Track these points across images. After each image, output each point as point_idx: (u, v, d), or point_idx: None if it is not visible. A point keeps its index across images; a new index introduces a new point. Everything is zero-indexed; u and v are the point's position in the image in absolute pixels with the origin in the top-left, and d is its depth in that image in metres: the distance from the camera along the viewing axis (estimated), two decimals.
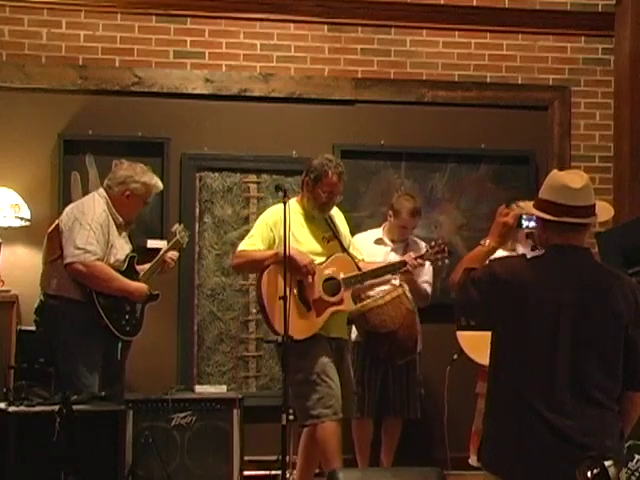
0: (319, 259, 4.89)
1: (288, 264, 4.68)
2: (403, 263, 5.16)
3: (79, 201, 5.21)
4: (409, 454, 5.70)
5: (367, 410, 5.61)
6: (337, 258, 4.95)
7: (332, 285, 4.90)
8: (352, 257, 5.05)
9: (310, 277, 4.82)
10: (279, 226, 4.80)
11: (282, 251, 4.66)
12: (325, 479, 4.57)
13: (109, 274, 4.91)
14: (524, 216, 3.40)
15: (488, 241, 3.36)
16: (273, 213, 4.98)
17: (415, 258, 5.18)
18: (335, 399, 4.79)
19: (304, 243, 4.88)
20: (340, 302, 4.90)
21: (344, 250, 5.00)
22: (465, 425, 5.55)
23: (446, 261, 5.34)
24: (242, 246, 5.00)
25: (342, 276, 4.92)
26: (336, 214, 5.12)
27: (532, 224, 3.43)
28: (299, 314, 4.81)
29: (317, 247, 4.92)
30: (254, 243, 4.92)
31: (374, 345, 5.49)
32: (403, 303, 5.44)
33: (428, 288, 5.68)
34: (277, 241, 4.86)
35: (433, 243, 5.32)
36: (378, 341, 5.43)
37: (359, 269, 4.99)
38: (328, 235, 4.99)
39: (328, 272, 4.89)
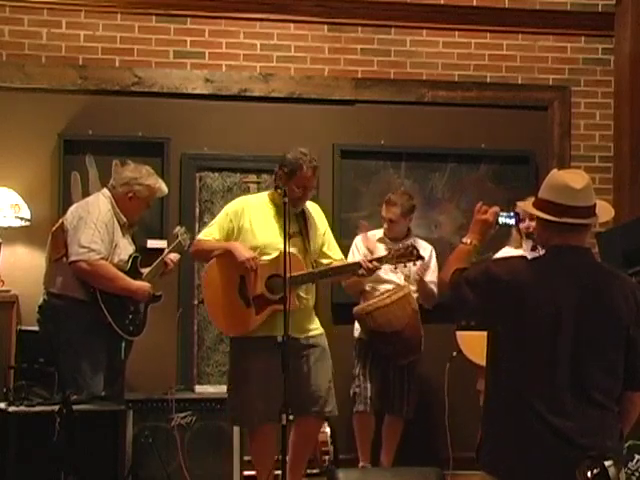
0: (275, 254, 4.69)
1: (229, 258, 4.68)
2: (358, 265, 4.86)
3: (84, 200, 5.22)
4: (409, 454, 5.70)
5: (370, 405, 5.60)
6: (283, 256, 4.62)
7: (279, 283, 4.64)
8: (320, 255, 4.90)
9: (252, 273, 4.68)
10: (240, 216, 4.79)
11: (233, 245, 4.71)
12: (325, 479, 4.57)
13: (113, 273, 4.92)
14: (502, 213, 3.42)
15: (470, 239, 3.36)
16: (236, 203, 4.93)
17: (370, 261, 4.86)
18: (251, 410, 4.69)
19: (259, 237, 4.76)
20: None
21: (305, 248, 4.81)
22: (466, 424, 5.54)
23: (418, 263, 5.10)
24: (200, 235, 4.99)
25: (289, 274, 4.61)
26: (314, 211, 4.98)
27: (511, 221, 3.46)
28: (235, 309, 4.73)
29: (274, 242, 4.69)
30: (211, 232, 4.86)
31: (379, 344, 5.50)
32: (409, 303, 5.44)
33: (434, 288, 5.58)
34: (236, 232, 4.80)
35: (400, 245, 5.00)
36: (383, 340, 5.43)
37: (314, 268, 4.81)
38: (292, 231, 4.75)
39: (272, 269, 4.67)
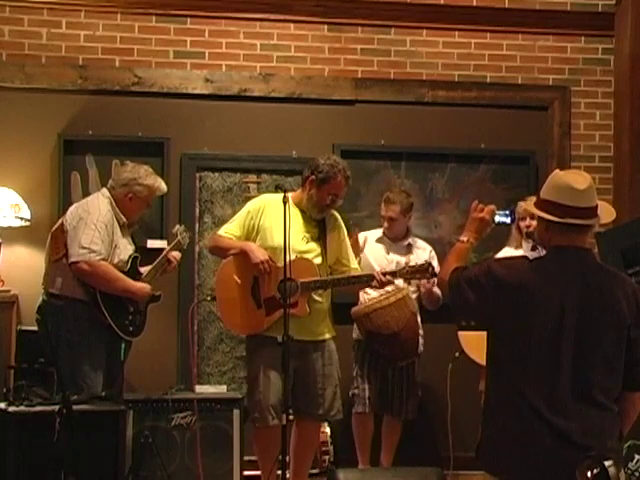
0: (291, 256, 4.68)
1: (245, 259, 4.74)
2: (371, 277, 4.93)
3: (84, 200, 5.20)
4: (409, 454, 5.69)
5: (369, 405, 5.60)
6: (298, 261, 4.73)
7: (291, 287, 4.67)
8: (337, 263, 4.98)
9: (266, 275, 4.74)
10: (261, 214, 4.84)
11: (249, 246, 4.77)
12: (325, 479, 4.57)
13: (113, 274, 4.91)
14: (498, 212, 3.44)
15: (467, 237, 3.37)
16: (258, 200, 4.99)
17: (384, 274, 4.93)
18: (264, 408, 4.79)
19: (277, 238, 4.74)
20: (294, 305, 4.70)
21: (323, 255, 4.88)
22: (468, 424, 5.54)
23: (433, 280, 5.20)
24: (220, 230, 5.02)
25: (301, 280, 4.75)
26: (335, 219, 5.03)
27: (507, 220, 3.48)
28: (246, 309, 4.80)
29: (292, 244, 4.67)
30: (231, 229, 4.92)
31: (376, 346, 5.49)
32: (407, 305, 5.42)
33: (439, 292, 5.56)
34: (256, 230, 4.86)
35: (416, 262, 5.11)
36: (380, 342, 5.43)
37: (328, 275, 4.88)
38: (309, 236, 4.87)
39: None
